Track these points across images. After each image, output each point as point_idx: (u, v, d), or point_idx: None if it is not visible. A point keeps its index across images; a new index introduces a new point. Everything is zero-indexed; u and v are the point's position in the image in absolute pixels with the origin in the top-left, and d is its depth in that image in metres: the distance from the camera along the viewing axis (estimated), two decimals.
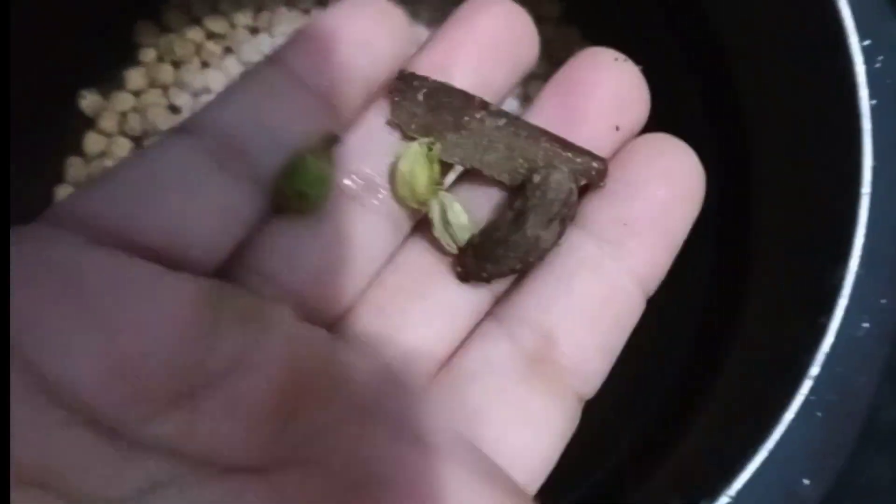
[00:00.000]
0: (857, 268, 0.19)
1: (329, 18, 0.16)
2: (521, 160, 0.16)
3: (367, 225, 0.16)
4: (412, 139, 0.17)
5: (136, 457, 0.12)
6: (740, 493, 0.17)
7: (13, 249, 0.12)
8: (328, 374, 0.14)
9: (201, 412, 0.13)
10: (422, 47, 0.17)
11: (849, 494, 0.18)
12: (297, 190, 0.16)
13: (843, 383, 0.18)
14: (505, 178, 0.17)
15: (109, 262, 0.13)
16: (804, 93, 0.22)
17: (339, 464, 0.13)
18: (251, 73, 0.16)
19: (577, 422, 0.16)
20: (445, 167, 0.17)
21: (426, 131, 0.17)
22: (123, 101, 0.32)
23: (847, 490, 0.18)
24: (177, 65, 0.33)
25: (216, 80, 0.33)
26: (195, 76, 0.33)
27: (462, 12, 0.17)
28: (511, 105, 0.31)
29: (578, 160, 0.16)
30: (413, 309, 0.16)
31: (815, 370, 0.18)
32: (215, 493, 0.12)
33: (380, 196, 0.17)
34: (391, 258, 0.17)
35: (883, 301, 0.19)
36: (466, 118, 0.16)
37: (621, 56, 0.17)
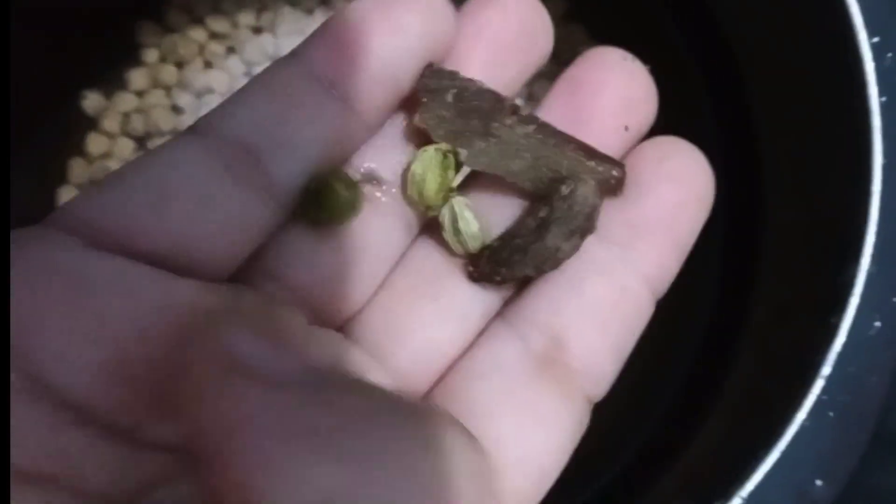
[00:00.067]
0: (869, 266, 0.19)
1: (355, 10, 0.15)
2: (545, 169, 0.16)
3: (379, 226, 0.16)
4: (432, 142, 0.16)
5: (137, 457, 0.12)
6: (753, 494, 0.17)
7: (14, 252, 0.12)
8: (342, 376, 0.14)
9: None
10: None
11: (860, 496, 0.18)
12: (326, 217, 0.15)
13: (855, 383, 0.18)
14: (528, 185, 0.16)
15: (110, 267, 0.13)
16: (813, 91, 0.22)
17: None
18: (268, 73, 0.15)
19: (586, 423, 0.16)
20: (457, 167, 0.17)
21: (453, 138, 0.16)
22: (126, 101, 0.32)
23: (859, 491, 0.18)
24: (180, 65, 0.33)
25: (219, 80, 0.33)
26: (198, 76, 0.33)
27: (474, 4, 0.17)
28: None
29: (601, 168, 0.16)
30: (424, 311, 0.16)
31: (826, 370, 0.18)
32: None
33: (392, 196, 0.16)
34: (401, 257, 0.17)
35: (894, 300, 0.19)
36: (496, 124, 0.16)
37: (629, 55, 0.17)
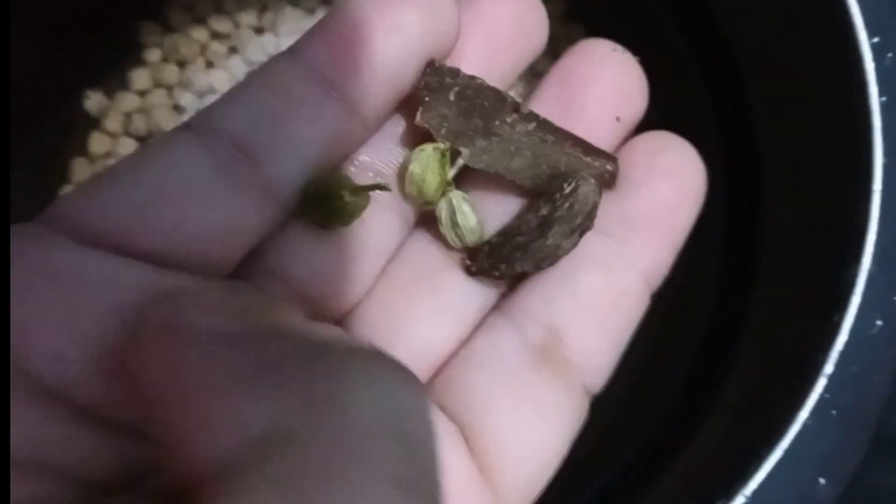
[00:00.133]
0: (870, 265, 0.19)
1: (354, 7, 0.15)
2: (545, 166, 0.16)
3: (377, 222, 0.16)
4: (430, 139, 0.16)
5: (131, 448, 0.12)
6: (756, 493, 0.17)
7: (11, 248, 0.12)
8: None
9: None
10: None
11: (861, 497, 0.18)
12: (331, 222, 0.15)
13: (857, 382, 0.18)
14: (527, 183, 0.16)
15: (98, 264, 0.13)
16: (813, 91, 0.22)
17: None
18: (265, 70, 0.15)
19: (585, 415, 0.16)
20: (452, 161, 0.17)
21: (455, 138, 0.16)
22: (128, 101, 0.32)
23: (860, 492, 0.18)
24: (181, 65, 0.33)
25: (221, 80, 0.33)
26: (200, 76, 0.33)
27: None
28: None
29: (596, 164, 0.16)
30: (422, 304, 0.16)
31: (829, 368, 0.18)
32: None
33: (389, 190, 0.16)
34: (398, 250, 0.17)
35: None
36: (497, 122, 0.16)
37: (619, 47, 0.17)
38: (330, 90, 0.15)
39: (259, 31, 0.34)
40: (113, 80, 0.32)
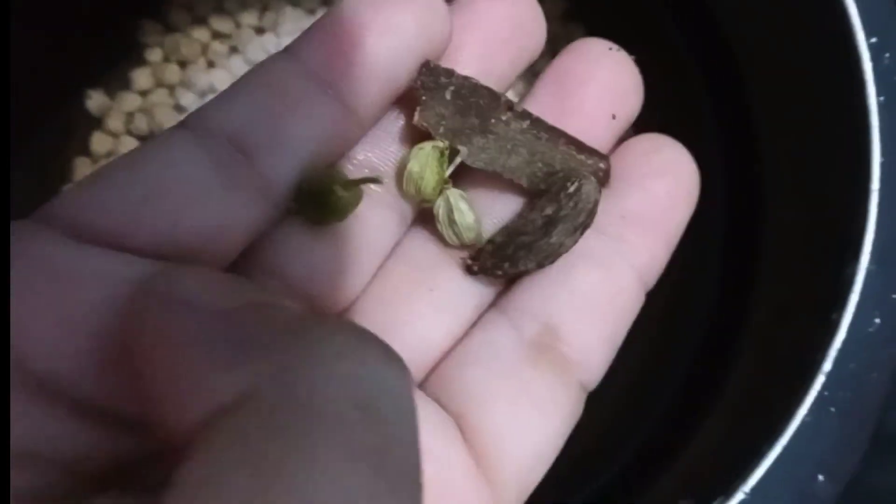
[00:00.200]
0: (868, 264, 0.19)
1: (350, 8, 0.15)
2: (540, 164, 0.16)
3: (374, 219, 0.16)
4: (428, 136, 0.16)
5: (126, 440, 0.12)
6: (755, 489, 0.17)
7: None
8: None
9: None
10: None
11: (860, 496, 0.18)
12: (325, 217, 0.15)
13: (855, 379, 0.18)
14: (524, 181, 0.16)
15: (95, 260, 0.13)
16: (813, 91, 0.22)
17: None
18: (262, 69, 0.15)
19: (580, 410, 0.16)
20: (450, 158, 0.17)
21: (453, 136, 0.16)
22: (130, 101, 0.32)
23: (859, 491, 0.18)
24: (183, 64, 0.33)
25: (222, 79, 0.33)
26: (201, 76, 0.33)
27: None
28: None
29: (590, 162, 0.16)
30: (419, 302, 0.16)
31: (827, 366, 0.18)
32: None
33: (387, 187, 0.16)
34: (395, 247, 0.17)
35: (894, 296, 0.19)
36: (493, 120, 0.16)
37: (614, 45, 0.17)
38: (326, 89, 0.15)
39: (260, 30, 0.34)
40: (114, 79, 0.32)
